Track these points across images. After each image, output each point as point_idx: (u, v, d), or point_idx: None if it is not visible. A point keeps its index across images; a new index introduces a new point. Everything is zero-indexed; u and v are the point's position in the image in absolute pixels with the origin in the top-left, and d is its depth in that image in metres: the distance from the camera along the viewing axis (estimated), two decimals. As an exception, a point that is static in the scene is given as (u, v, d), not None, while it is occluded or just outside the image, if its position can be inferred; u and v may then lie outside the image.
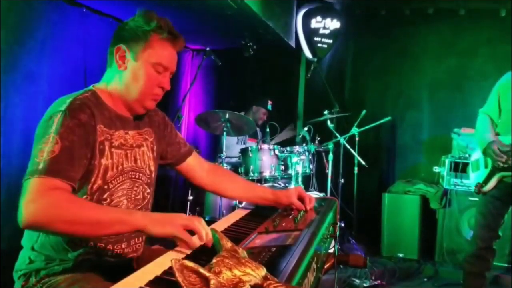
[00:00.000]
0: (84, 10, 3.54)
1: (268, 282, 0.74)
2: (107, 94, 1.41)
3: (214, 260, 0.78)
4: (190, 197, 3.73)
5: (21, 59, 2.99)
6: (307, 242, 1.19)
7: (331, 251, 1.66)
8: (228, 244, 0.86)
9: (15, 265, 1.37)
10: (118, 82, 1.40)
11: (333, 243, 1.72)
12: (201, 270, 0.72)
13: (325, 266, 1.55)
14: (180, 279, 0.71)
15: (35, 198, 1.09)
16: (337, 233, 1.60)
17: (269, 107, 4.55)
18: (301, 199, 1.68)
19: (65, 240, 1.31)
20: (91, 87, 1.42)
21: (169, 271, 0.98)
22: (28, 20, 3.03)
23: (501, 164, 2.46)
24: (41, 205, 1.08)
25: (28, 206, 1.08)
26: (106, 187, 1.34)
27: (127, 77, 1.38)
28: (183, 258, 0.82)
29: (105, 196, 1.34)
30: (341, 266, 1.88)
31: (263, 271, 0.77)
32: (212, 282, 0.70)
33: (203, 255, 1.10)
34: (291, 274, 0.97)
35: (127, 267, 1.41)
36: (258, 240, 1.26)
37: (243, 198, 1.87)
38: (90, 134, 1.29)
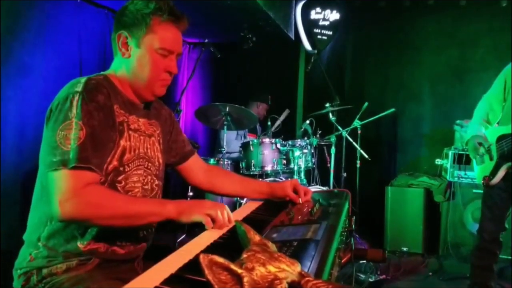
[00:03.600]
0: (78, 1, 3.44)
1: (306, 279, 0.66)
2: (117, 80, 1.36)
3: (244, 255, 0.69)
4: (190, 193, 3.66)
5: (14, 51, 2.89)
6: (329, 235, 1.12)
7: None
8: (257, 237, 0.77)
9: (15, 263, 1.30)
10: (125, 71, 1.35)
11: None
12: (233, 266, 0.64)
13: (342, 261, 1.48)
14: (210, 277, 0.62)
15: (71, 196, 1.10)
16: (353, 226, 1.54)
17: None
18: (296, 191, 1.66)
19: (75, 226, 1.24)
20: (101, 73, 1.36)
21: (185, 268, 0.91)
22: (21, 10, 2.92)
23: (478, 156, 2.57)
24: (78, 205, 1.11)
25: (65, 205, 1.10)
26: (121, 169, 1.29)
27: (132, 65, 1.33)
28: (201, 252, 0.74)
29: (119, 178, 1.28)
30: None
31: (298, 267, 0.69)
32: (245, 279, 0.62)
33: (221, 249, 1.02)
34: (319, 269, 0.89)
35: (134, 259, 1.37)
36: (274, 234, 1.19)
37: (240, 194, 1.91)
38: (109, 115, 1.25)
